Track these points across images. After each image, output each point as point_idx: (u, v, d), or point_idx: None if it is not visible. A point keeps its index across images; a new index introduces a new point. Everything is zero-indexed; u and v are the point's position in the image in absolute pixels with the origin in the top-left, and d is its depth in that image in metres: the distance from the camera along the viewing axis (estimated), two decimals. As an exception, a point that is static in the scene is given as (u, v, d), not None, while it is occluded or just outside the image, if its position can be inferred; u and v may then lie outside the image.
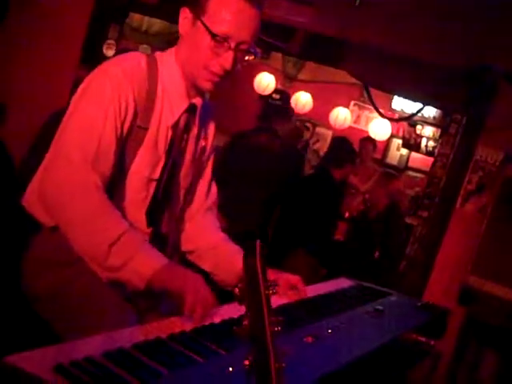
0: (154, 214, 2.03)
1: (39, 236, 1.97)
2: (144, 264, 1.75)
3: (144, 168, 1.95)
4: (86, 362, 1.32)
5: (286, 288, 2.17)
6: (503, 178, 3.97)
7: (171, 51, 2.02)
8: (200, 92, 2.02)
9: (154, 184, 2.00)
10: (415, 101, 5.35)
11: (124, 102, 1.85)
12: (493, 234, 3.92)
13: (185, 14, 1.92)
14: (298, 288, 2.20)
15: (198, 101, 2.04)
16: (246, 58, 1.96)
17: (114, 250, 1.74)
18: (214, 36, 1.85)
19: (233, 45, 1.87)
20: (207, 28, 1.85)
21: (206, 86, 1.96)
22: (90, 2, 5.22)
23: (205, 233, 2.27)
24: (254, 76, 8.99)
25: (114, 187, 1.91)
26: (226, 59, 1.88)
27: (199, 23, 1.87)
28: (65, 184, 1.77)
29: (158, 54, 2.04)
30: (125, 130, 1.88)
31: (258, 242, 0.91)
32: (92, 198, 1.78)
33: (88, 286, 1.87)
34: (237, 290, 0.91)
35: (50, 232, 1.92)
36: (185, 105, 2.01)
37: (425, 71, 4.00)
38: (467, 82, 3.87)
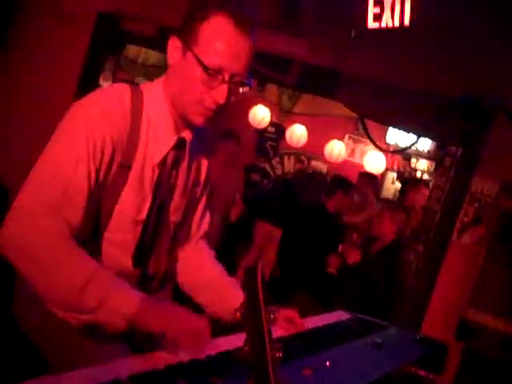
0: (142, 256, 1.93)
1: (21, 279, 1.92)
2: (123, 302, 1.64)
3: (129, 209, 1.84)
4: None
5: (283, 321, 2.14)
6: (500, 210, 3.96)
7: (158, 82, 1.89)
8: (190, 125, 1.90)
9: (140, 226, 1.89)
10: (411, 132, 5.37)
11: (99, 142, 1.72)
12: (490, 266, 3.89)
13: (174, 43, 1.78)
14: (294, 321, 2.17)
15: (187, 134, 1.91)
16: (241, 90, 1.82)
17: (88, 291, 1.61)
18: (206, 69, 1.72)
19: (227, 77, 1.75)
20: (199, 60, 1.72)
21: (198, 121, 1.83)
22: (87, 34, 5.25)
23: (199, 266, 2.22)
24: (248, 109, 9.02)
25: (99, 229, 1.82)
26: (220, 93, 1.76)
27: (190, 54, 1.74)
28: (27, 235, 1.62)
29: (143, 85, 1.92)
30: (102, 173, 1.75)
31: (258, 266, 0.88)
32: (56, 245, 1.64)
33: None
34: (238, 314, 0.88)
35: None
36: (172, 141, 1.88)
37: (421, 103, 4.02)
38: (463, 113, 3.88)
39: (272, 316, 0.89)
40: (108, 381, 1.39)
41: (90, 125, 1.72)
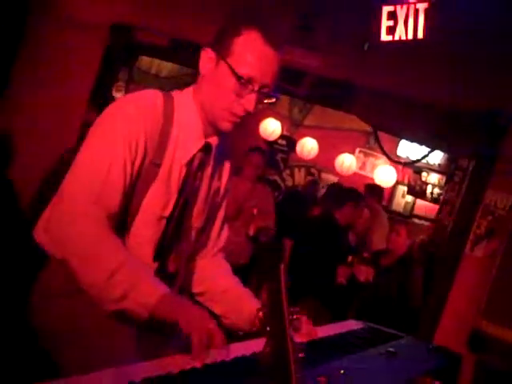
0: (162, 251, 1.99)
1: (48, 269, 1.95)
2: (147, 293, 1.70)
3: (156, 205, 1.93)
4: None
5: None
6: (513, 223, 3.94)
7: (189, 90, 2.01)
8: (216, 132, 2.01)
9: (164, 221, 1.97)
10: (424, 145, 5.36)
11: (135, 140, 1.83)
12: (504, 279, 3.86)
13: (207, 54, 1.92)
14: (308, 329, 2.16)
15: (213, 140, 2.02)
16: (266, 101, 1.95)
17: (115, 281, 1.68)
18: (239, 78, 1.85)
19: (256, 87, 1.87)
20: (232, 69, 1.86)
21: (226, 126, 1.95)
22: (101, 44, 5.29)
23: (216, 275, 2.25)
24: (259, 121, 9.04)
25: (124, 223, 1.89)
26: (249, 101, 1.88)
27: (223, 64, 1.87)
28: (66, 220, 1.74)
29: (175, 92, 2.03)
30: (135, 168, 1.86)
31: (282, 266, 0.89)
32: (91, 230, 1.74)
33: (97, 318, 1.83)
34: (260, 314, 0.88)
35: (59, 264, 1.89)
36: (200, 143, 1.99)
37: (434, 115, 4.02)
38: (477, 126, 3.87)
39: (295, 317, 0.89)
40: (123, 384, 1.38)
41: (127, 122, 1.83)
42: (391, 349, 2.17)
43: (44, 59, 5.36)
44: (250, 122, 8.58)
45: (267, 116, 9.09)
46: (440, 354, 2.42)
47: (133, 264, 1.76)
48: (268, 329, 0.87)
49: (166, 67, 6.55)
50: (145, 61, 6.51)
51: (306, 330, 2.14)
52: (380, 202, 7.76)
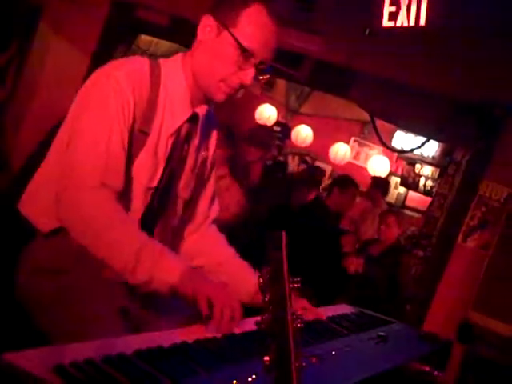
0: (148, 222, 1.96)
1: (34, 243, 1.93)
2: (168, 272, 1.72)
3: (143, 175, 1.90)
4: (86, 365, 1.27)
5: (299, 309, 2.12)
6: (507, 214, 3.94)
7: (177, 57, 1.97)
8: (204, 101, 1.98)
9: (151, 192, 1.94)
10: (420, 134, 5.35)
11: (127, 107, 1.81)
12: (496, 270, 3.87)
13: (208, 22, 1.88)
14: (309, 308, 2.16)
15: (201, 110, 1.98)
16: (261, 77, 1.93)
17: (138, 263, 1.71)
18: (243, 50, 1.83)
19: (256, 61, 1.86)
20: (238, 41, 1.83)
21: (220, 97, 1.92)
22: (99, 23, 5.24)
23: (213, 248, 2.23)
24: (255, 107, 9.02)
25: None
26: (248, 75, 1.87)
27: (227, 34, 1.84)
28: (79, 208, 1.74)
29: (161, 60, 1.99)
30: (129, 135, 1.83)
31: (283, 233, 0.87)
32: (106, 214, 1.75)
33: (83, 293, 1.82)
34: (260, 280, 0.87)
35: (45, 239, 1.88)
36: (187, 113, 1.96)
37: (432, 104, 4.01)
38: (475, 116, 3.87)
39: (295, 285, 0.87)
40: (113, 354, 1.36)
41: (117, 90, 1.80)
42: (382, 333, 2.17)
43: (43, 34, 5.30)
44: (246, 107, 8.56)
45: (264, 102, 9.07)
46: (430, 340, 2.42)
47: (151, 244, 1.76)
48: (267, 296, 0.85)
49: (164, 46, 6.50)
50: (143, 39, 6.46)
51: (313, 312, 2.14)
52: (384, 195, 7.83)
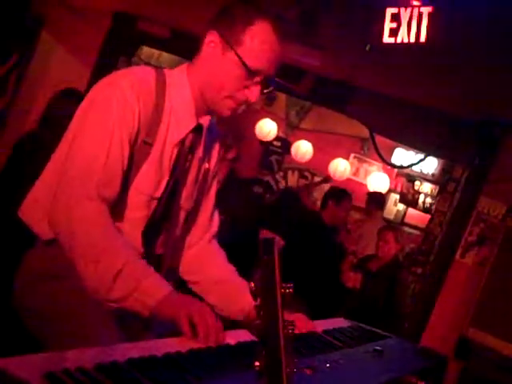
0: (151, 233, 1.95)
1: (33, 249, 1.92)
2: (148, 294, 1.68)
3: (147, 185, 1.89)
4: (77, 372, 1.26)
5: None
6: (505, 231, 3.94)
7: (182, 68, 1.97)
8: (207, 112, 1.98)
9: (154, 203, 1.93)
10: (420, 150, 5.37)
11: (131, 117, 1.79)
12: (494, 287, 3.85)
13: (213, 38, 1.88)
14: (303, 321, 2.15)
15: (204, 120, 1.98)
16: (265, 90, 1.94)
17: (118, 282, 1.67)
18: (249, 70, 1.84)
19: (261, 79, 1.88)
20: (243, 62, 1.83)
21: (226, 113, 1.94)
22: (101, 34, 5.26)
23: (210, 265, 2.21)
24: (255, 122, 9.03)
25: (115, 205, 1.84)
26: (253, 92, 1.89)
27: (232, 54, 1.84)
28: (69, 216, 1.72)
29: (166, 70, 1.98)
30: (131, 147, 1.82)
31: (276, 238, 0.86)
32: (95, 228, 1.72)
33: (78, 301, 1.80)
34: (252, 284, 0.86)
35: (45, 245, 1.87)
36: (192, 124, 1.95)
37: (431, 121, 4.01)
38: (473, 133, 3.87)
39: (288, 291, 0.87)
40: (106, 362, 1.35)
41: (120, 99, 1.78)
42: (378, 347, 2.15)
43: (46, 43, 5.32)
44: (246, 122, 8.58)
45: (264, 117, 9.08)
46: (426, 355, 2.41)
47: (135, 263, 1.73)
48: (259, 301, 0.85)
49: (167, 58, 6.52)
50: (145, 51, 6.49)
51: (304, 325, 2.13)
52: (381, 209, 7.82)
